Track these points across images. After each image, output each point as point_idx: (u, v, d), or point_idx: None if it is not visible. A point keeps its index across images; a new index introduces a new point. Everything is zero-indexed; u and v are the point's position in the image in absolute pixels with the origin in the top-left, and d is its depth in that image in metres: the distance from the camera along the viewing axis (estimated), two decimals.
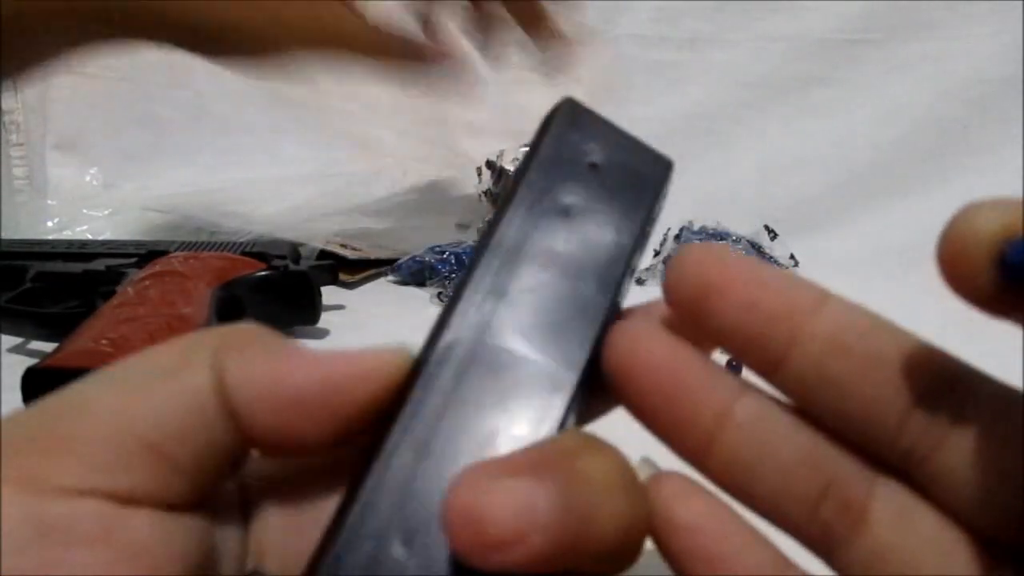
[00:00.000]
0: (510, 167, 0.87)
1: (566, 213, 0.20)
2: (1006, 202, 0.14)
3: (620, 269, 0.19)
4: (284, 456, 0.18)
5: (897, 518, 0.17)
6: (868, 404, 0.16)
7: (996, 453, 0.15)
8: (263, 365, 0.16)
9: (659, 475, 0.18)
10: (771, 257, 0.71)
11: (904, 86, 0.77)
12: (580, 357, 0.18)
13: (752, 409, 0.17)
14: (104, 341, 0.42)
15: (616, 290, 0.19)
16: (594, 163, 0.21)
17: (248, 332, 0.17)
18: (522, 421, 0.17)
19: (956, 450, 0.16)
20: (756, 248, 0.72)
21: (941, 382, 0.16)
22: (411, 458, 0.16)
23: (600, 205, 0.20)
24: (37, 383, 0.41)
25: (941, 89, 0.77)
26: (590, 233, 0.19)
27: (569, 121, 0.21)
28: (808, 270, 0.71)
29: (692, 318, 0.18)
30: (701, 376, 0.17)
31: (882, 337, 0.17)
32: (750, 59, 0.81)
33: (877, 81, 0.78)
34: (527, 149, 0.21)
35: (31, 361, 0.42)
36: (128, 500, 0.15)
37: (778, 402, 0.18)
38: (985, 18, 0.75)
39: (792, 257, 0.72)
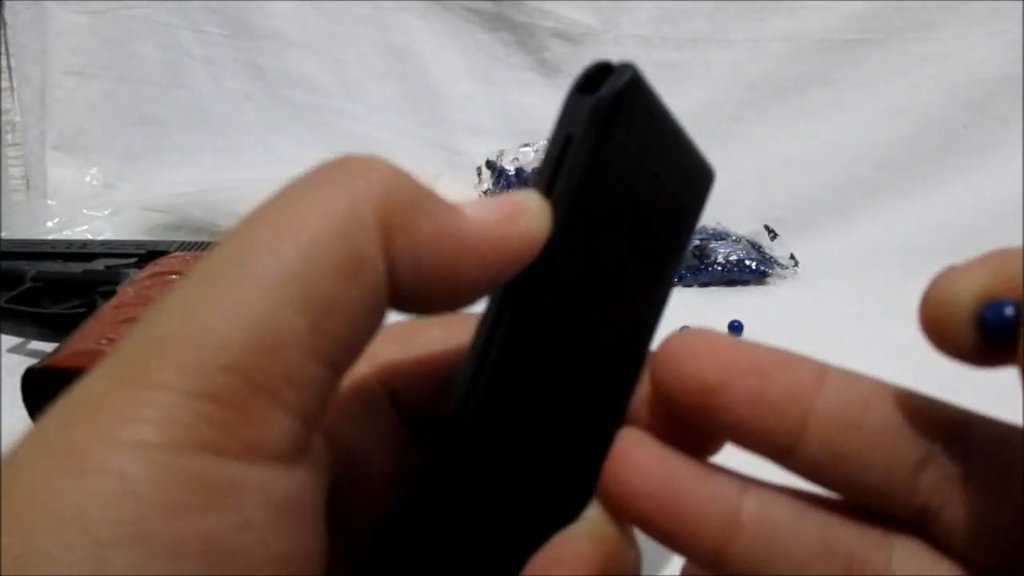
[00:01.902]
0: (510, 167, 0.87)
1: (621, 239, 0.18)
2: (980, 266, 0.15)
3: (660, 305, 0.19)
4: (420, 311, 0.17)
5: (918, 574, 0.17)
6: (881, 472, 0.17)
7: (1001, 494, 0.16)
8: (429, 240, 0.15)
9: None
10: (771, 257, 0.71)
11: (904, 86, 0.77)
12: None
13: (756, 509, 0.17)
14: (104, 341, 0.42)
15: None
16: (655, 173, 0.19)
17: (401, 190, 0.15)
18: None
19: (965, 497, 0.16)
20: (756, 248, 0.72)
21: (943, 434, 0.17)
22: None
23: (651, 234, 0.19)
24: (37, 383, 0.41)
25: (941, 89, 0.76)
26: (638, 267, 0.19)
27: (635, 108, 0.18)
28: (808, 270, 0.71)
29: (694, 416, 0.17)
30: (699, 488, 0.17)
31: (884, 404, 0.17)
32: (750, 59, 0.81)
33: (877, 81, 0.78)
34: (564, 131, 0.17)
35: (31, 361, 0.42)
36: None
37: (780, 490, 0.18)
38: (985, 18, 0.75)
39: (792, 257, 0.72)
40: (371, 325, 0.15)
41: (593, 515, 0.18)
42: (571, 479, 0.18)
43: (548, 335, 0.17)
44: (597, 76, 0.17)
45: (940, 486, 0.17)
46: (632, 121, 0.17)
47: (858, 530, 0.17)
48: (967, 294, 0.15)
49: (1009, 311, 0.14)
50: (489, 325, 0.17)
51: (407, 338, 0.20)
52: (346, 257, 0.14)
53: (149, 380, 0.13)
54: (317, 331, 0.14)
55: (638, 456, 0.18)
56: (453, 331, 0.19)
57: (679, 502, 0.17)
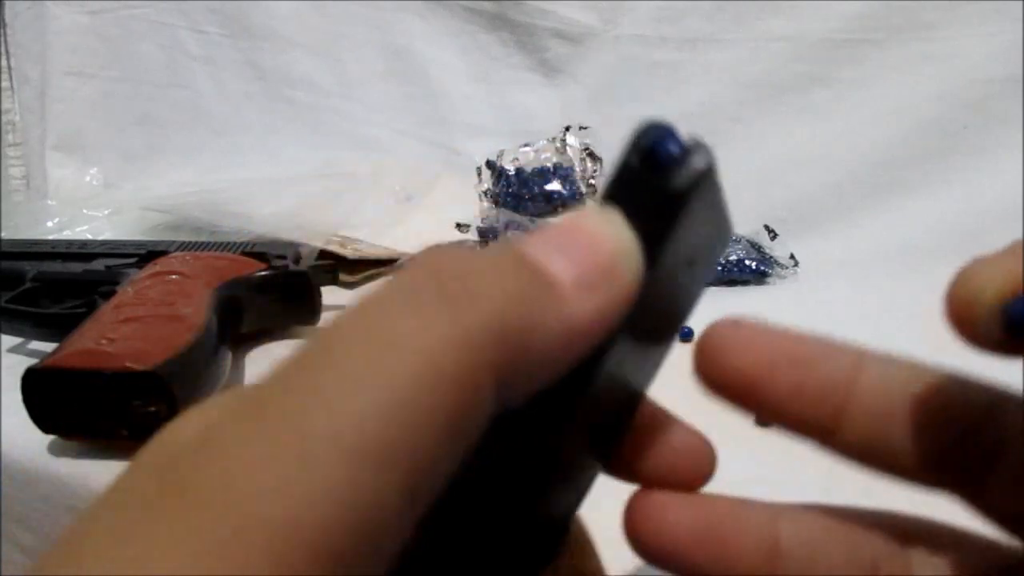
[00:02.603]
0: (510, 167, 0.87)
1: (662, 292, 0.17)
2: (1002, 261, 0.15)
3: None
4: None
5: None
6: (918, 452, 0.17)
7: None
8: (540, 356, 0.13)
9: None
10: (771, 257, 0.71)
11: (904, 86, 0.77)
12: None
13: (793, 533, 0.18)
14: (104, 341, 0.42)
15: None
16: (703, 240, 0.18)
17: (513, 307, 0.13)
18: None
19: (1003, 472, 0.17)
20: (756, 248, 0.72)
21: (980, 412, 0.17)
22: None
23: (682, 288, 0.18)
24: (37, 383, 0.41)
25: (941, 89, 0.76)
26: (663, 317, 0.18)
27: (707, 188, 0.16)
28: (808, 270, 0.71)
29: (737, 404, 0.18)
30: (739, 523, 0.18)
31: (921, 386, 0.17)
32: (750, 59, 0.81)
33: (877, 81, 0.78)
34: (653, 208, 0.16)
35: (31, 361, 0.42)
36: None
37: (805, 509, 0.19)
38: (985, 18, 0.75)
39: (792, 257, 0.72)
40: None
41: None
42: (553, 518, 0.18)
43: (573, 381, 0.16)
44: (659, 143, 0.16)
45: (978, 463, 0.17)
46: (702, 202, 0.16)
47: (880, 540, 0.18)
48: (992, 287, 0.14)
49: None
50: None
51: None
52: (454, 413, 0.12)
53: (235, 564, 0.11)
54: (415, 501, 0.12)
55: (672, 511, 0.18)
56: None
57: (723, 541, 0.18)
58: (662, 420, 0.19)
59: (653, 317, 0.17)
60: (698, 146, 0.16)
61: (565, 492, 0.18)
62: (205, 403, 0.13)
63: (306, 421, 0.11)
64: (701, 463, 0.19)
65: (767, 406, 0.18)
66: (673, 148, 0.16)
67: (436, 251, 0.13)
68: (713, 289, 0.69)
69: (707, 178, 0.16)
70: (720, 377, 0.18)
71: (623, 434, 0.19)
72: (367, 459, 0.11)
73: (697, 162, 0.16)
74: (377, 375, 0.11)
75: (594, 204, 0.16)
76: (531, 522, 0.17)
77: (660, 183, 0.15)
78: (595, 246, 0.15)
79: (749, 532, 0.18)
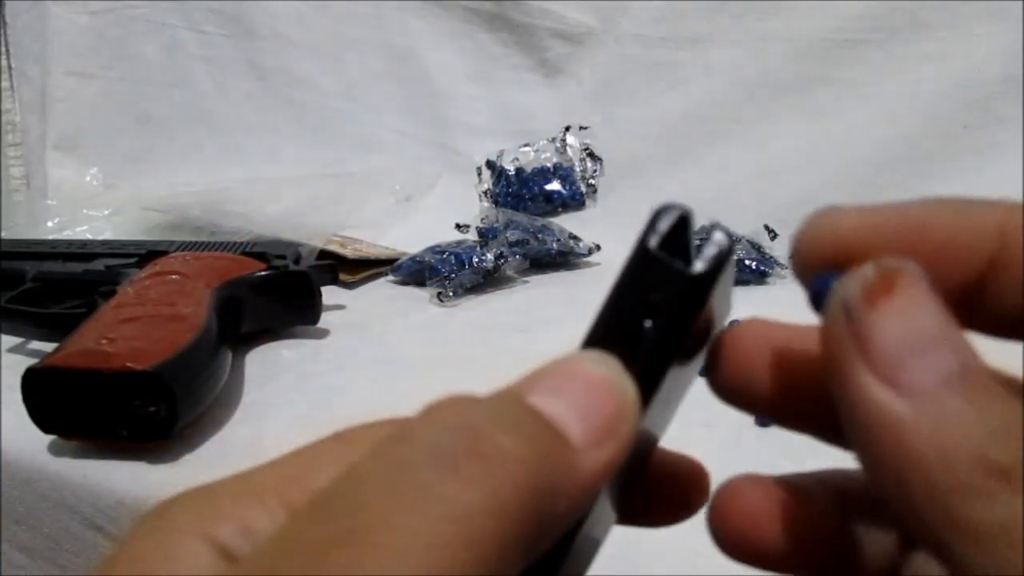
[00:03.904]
0: (510, 167, 0.87)
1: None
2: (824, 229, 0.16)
3: None
4: None
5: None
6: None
7: None
8: (565, 513, 0.14)
9: None
10: (771, 257, 0.71)
11: (904, 86, 0.77)
12: None
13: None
14: (104, 341, 0.42)
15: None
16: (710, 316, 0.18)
17: (538, 473, 0.13)
18: None
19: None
20: (756, 248, 0.72)
21: None
22: None
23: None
24: (37, 383, 0.41)
25: (941, 89, 0.76)
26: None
27: (724, 271, 0.16)
28: None
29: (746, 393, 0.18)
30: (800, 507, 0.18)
31: None
32: (750, 59, 0.81)
33: (877, 81, 0.78)
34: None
35: (31, 361, 0.42)
36: None
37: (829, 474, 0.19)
38: (985, 18, 0.75)
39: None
40: None
41: None
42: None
43: None
44: (675, 228, 0.16)
45: None
46: (719, 283, 0.16)
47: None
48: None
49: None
50: None
51: None
52: None
53: None
54: None
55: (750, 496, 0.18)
56: None
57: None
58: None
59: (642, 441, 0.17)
60: (717, 228, 0.16)
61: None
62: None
63: None
64: (692, 495, 0.19)
65: (778, 395, 0.17)
66: (677, 218, 0.16)
67: (458, 404, 0.13)
68: None
69: (727, 258, 0.16)
70: (732, 375, 0.18)
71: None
72: None
73: (719, 245, 0.16)
74: (414, 545, 0.11)
75: (587, 351, 0.16)
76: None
77: (680, 270, 0.16)
78: (599, 398, 0.15)
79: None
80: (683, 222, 0.16)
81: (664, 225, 0.16)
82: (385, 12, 0.93)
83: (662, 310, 0.15)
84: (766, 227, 0.74)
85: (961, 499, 0.12)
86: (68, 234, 0.80)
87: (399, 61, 0.93)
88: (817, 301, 0.15)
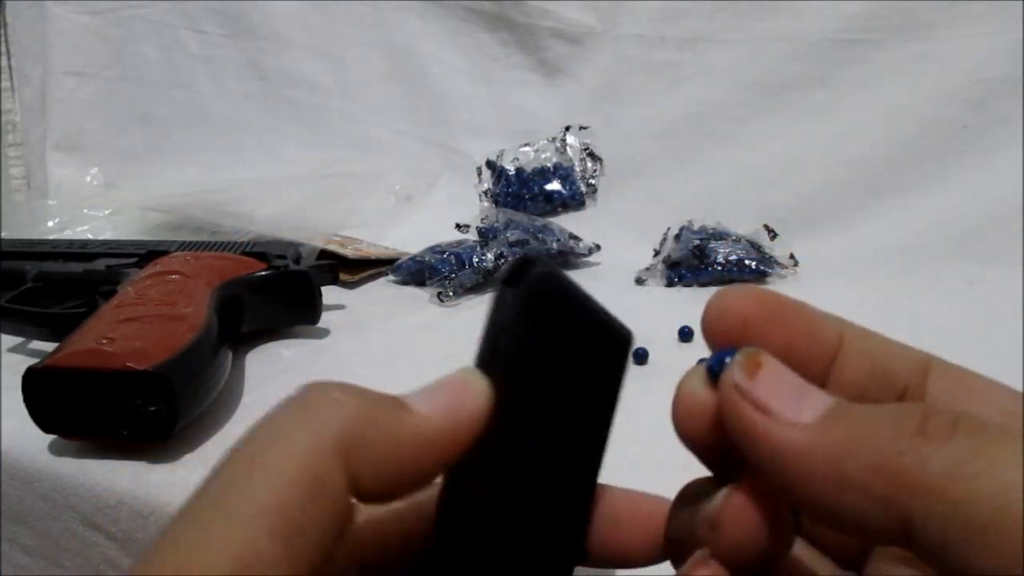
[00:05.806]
0: (510, 167, 0.87)
1: (554, 402, 0.21)
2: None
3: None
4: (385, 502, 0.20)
5: None
6: None
7: None
8: (386, 451, 0.18)
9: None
10: (771, 257, 0.71)
11: (904, 86, 0.77)
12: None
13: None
14: (104, 341, 0.42)
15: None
16: (578, 347, 0.21)
17: (358, 415, 0.18)
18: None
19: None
20: (756, 248, 0.72)
21: (957, 389, 0.19)
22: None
23: (579, 396, 0.21)
24: (37, 383, 0.41)
25: (941, 89, 0.76)
26: (572, 424, 0.21)
27: (553, 295, 0.20)
28: (808, 270, 0.71)
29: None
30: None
31: (896, 357, 0.20)
32: (750, 59, 0.81)
33: (877, 81, 0.78)
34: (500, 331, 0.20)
35: (31, 361, 0.42)
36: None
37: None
38: (985, 18, 0.75)
39: (792, 257, 0.72)
40: (336, 531, 0.17)
41: None
42: None
43: (497, 493, 0.20)
44: (521, 269, 0.20)
45: None
46: (551, 306, 0.20)
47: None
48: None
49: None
50: (447, 494, 0.19)
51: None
52: (311, 484, 0.16)
53: None
54: (291, 551, 0.16)
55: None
56: None
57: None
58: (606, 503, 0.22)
59: (558, 395, 0.21)
60: (540, 260, 0.20)
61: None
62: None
63: (213, 506, 0.16)
64: (649, 530, 0.21)
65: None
66: (526, 264, 0.20)
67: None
68: (713, 289, 0.68)
69: (548, 279, 0.20)
70: (721, 328, 0.19)
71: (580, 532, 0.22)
72: (241, 520, 0.16)
73: (537, 270, 0.19)
74: (256, 468, 0.17)
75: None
76: None
77: (511, 293, 0.19)
78: (449, 387, 0.19)
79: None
80: (545, 268, 0.20)
81: (514, 267, 0.20)
82: (385, 12, 0.93)
83: (506, 325, 0.19)
84: (766, 227, 0.74)
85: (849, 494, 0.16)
86: (68, 234, 0.80)
87: (399, 61, 0.93)
88: (711, 374, 0.19)
